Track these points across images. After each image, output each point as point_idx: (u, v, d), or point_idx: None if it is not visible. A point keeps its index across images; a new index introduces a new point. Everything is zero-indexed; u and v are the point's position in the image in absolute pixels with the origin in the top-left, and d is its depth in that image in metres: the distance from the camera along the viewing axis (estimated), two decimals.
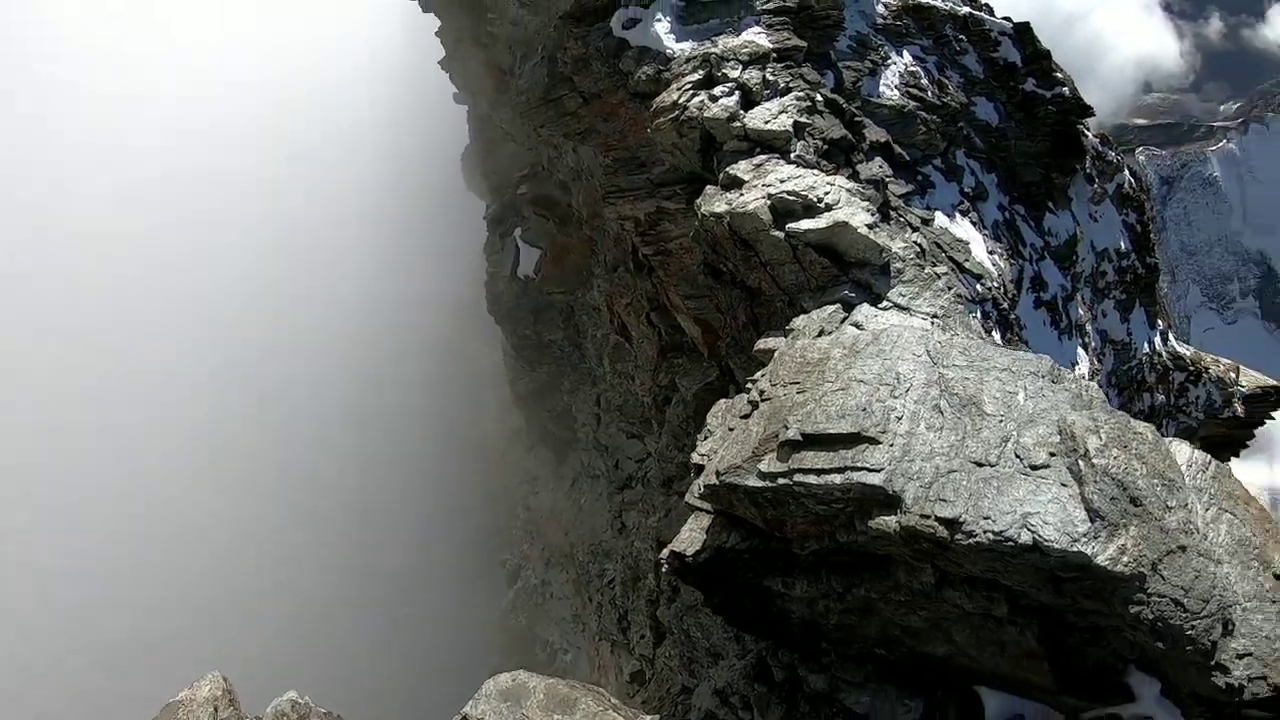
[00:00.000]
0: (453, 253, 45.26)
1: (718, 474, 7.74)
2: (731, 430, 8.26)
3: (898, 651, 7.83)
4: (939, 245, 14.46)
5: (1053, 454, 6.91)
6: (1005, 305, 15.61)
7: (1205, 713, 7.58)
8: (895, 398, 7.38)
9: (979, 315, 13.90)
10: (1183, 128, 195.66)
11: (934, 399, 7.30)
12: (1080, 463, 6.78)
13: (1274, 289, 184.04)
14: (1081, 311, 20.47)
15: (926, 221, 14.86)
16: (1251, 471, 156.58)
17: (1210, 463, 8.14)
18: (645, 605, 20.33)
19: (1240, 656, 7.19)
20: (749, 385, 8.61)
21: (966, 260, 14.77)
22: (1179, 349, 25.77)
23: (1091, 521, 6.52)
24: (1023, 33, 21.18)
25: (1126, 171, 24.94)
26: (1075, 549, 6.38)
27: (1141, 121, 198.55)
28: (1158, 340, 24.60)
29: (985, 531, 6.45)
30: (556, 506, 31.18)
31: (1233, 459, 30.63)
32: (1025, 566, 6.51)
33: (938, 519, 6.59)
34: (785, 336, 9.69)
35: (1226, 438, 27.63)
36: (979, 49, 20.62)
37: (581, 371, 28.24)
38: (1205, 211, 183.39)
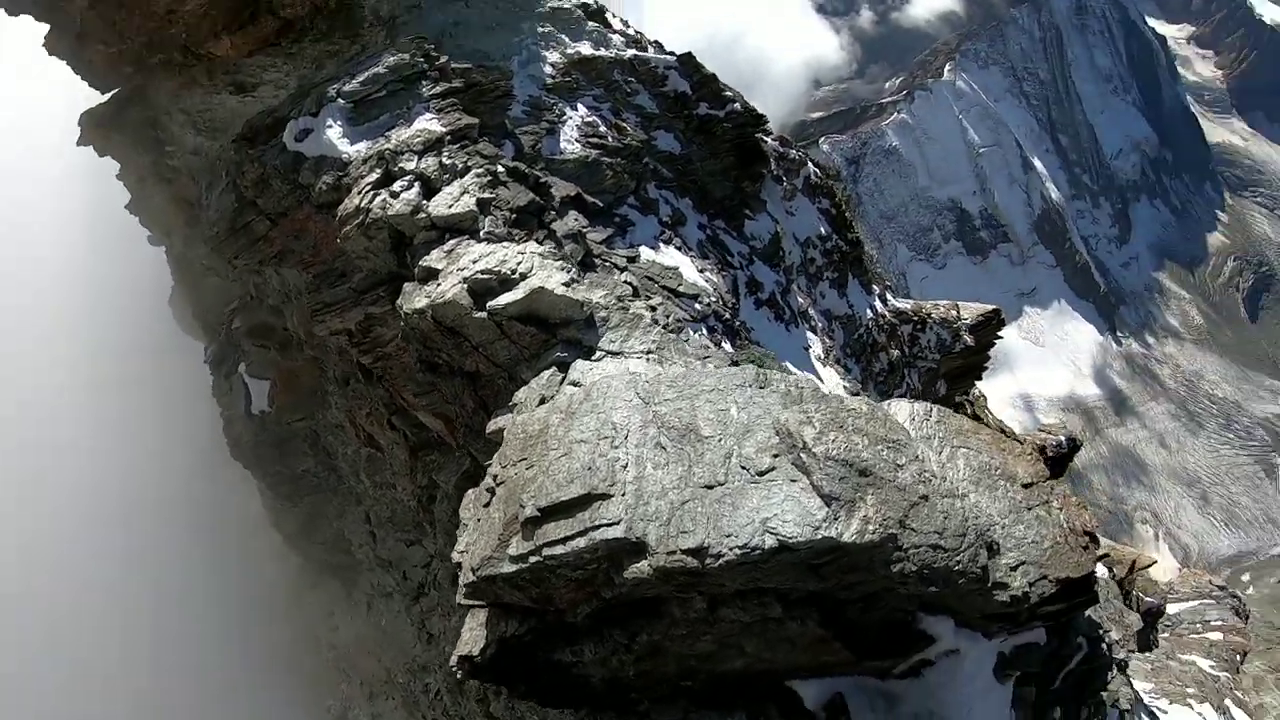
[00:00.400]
0: (182, 406, 42.78)
1: (473, 570, 7.60)
2: (480, 521, 8.13)
3: (701, 679, 7.91)
4: (650, 278, 14.82)
5: (776, 455, 7.16)
6: (727, 315, 16.17)
7: (1004, 626, 8.20)
8: (616, 448, 7.46)
9: (704, 331, 14.32)
10: (856, 111, 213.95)
11: (654, 438, 7.43)
12: (803, 455, 7.06)
13: (970, 227, 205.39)
14: (801, 299, 21.53)
15: (633, 259, 15.19)
16: (1000, 386, 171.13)
17: (932, 410, 8.70)
18: (477, 706, 19.61)
19: (1014, 568, 7.73)
20: (486, 471, 8.53)
21: (680, 285, 15.21)
22: (899, 305, 27.57)
23: (828, 506, 6.79)
24: (687, 62, 21.97)
25: (810, 164, 26.44)
26: (820, 536, 6.64)
27: (818, 114, 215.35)
28: (878, 303, 26.22)
29: (731, 549, 6.60)
30: (360, 635, 29.86)
31: (977, 382, 33.23)
32: (781, 567, 6.71)
33: (684, 551, 6.69)
34: (511, 413, 9.65)
35: (965, 367, 29.84)
36: (649, 87, 21.30)
37: (343, 494, 27.25)
38: (893, 178, 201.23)
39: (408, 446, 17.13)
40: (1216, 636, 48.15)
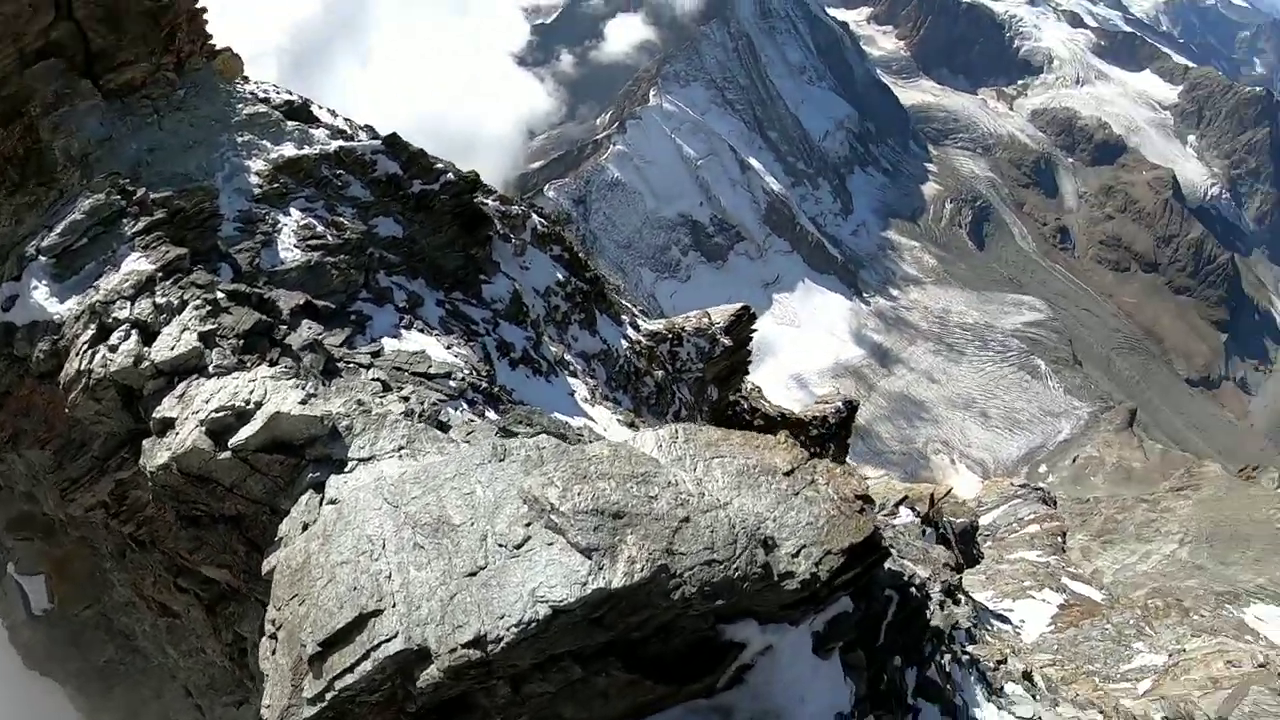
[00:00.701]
0: None
1: None
2: (274, 670, 7.85)
3: None
4: (398, 368, 14.68)
5: (528, 525, 7.19)
6: (484, 384, 16.27)
7: (807, 609, 8.34)
8: (377, 560, 7.36)
9: (465, 407, 14.31)
10: (574, 152, 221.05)
11: (410, 540, 7.36)
12: (553, 517, 7.11)
13: (705, 235, 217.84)
14: (555, 349, 21.85)
15: (377, 354, 15.00)
16: (770, 374, 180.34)
17: (679, 431, 8.86)
18: None
19: (796, 554, 7.88)
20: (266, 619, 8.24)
21: (430, 367, 15.16)
22: (652, 326, 28.39)
23: (589, 558, 6.85)
24: (393, 143, 21.78)
25: (535, 216, 26.86)
26: (590, 590, 6.68)
27: (539, 164, 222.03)
28: (630, 331, 26.93)
29: (508, 629, 6.60)
30: None
31: (746, 377, 34.50)
32: (562, 631, 6.76)
33: (464, 645, 6.64)
34: (280, 548, 9.33)
35: (730, 367, 30.93)
36: (360, 176, 20.97)
37: (154, 673, 25.34)
38: (622, 208, 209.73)
39: (203, 605, 16.18)
40: (1034, 529, 51.52)
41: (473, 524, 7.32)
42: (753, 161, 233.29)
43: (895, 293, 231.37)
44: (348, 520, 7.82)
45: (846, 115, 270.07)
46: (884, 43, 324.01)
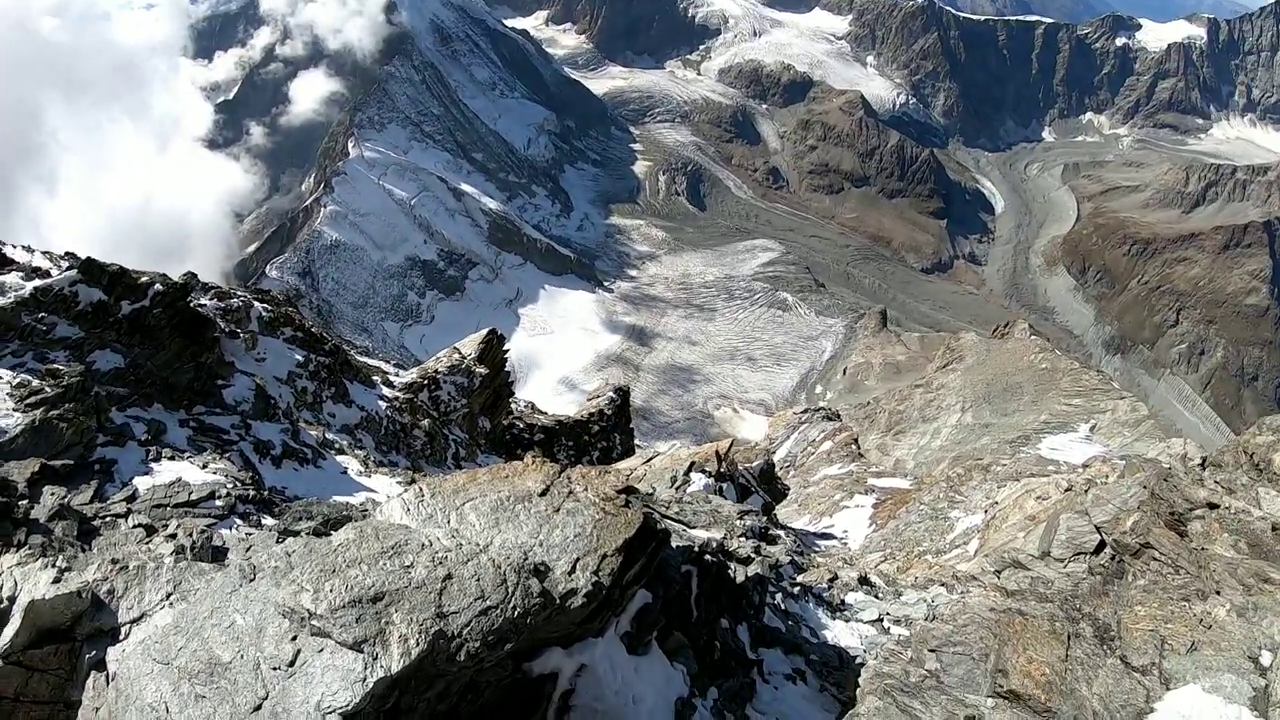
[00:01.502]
0: None
1: None
2: None
3: None
4: (159, 506, 14.19)
5: (294, 638, 6.89)
6: (252, 492, 15.92)
7: (606, 616, 8.45)
8: None
9: (238, 523, 14.03)
10: (287, 225, 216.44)
11: (189, 693, 6.96)
12: (314, 622, 6.85)
13: (437, 272, 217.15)
14: (315, 432, 21.40)
15: (133, 498, 14.46)
16: (540, 386, 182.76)
17: (423, 489, 8.70)
18: None
19: (572, 570, 7.86)
20: None
21: (191, 493, 14.74)
22: (405, 378, 28.33)
23: (361, 652, 6.61)
24: (89, 270, 20.79)
25: (256, 304, 26.21)
26: (372, 684, 6.42)
27: (254, 246, 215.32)
28: (385, 391, 26.65)
29: None
30: None
31: (514, 398, 34.73)
32: None
33: None
34: None
35: (494, 394, 30.98)
36: (63, 313, 20.02)
37: None
38: (349, 267, 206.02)
39: None
40: (828, 445, 53.91)
41: (242, 656, 6.97)
42: (465, 187, 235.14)
43: (634, 273, 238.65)
44: (127, 695, 7.36)
45: (545, 118, 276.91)
46: (566, 41, 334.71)
